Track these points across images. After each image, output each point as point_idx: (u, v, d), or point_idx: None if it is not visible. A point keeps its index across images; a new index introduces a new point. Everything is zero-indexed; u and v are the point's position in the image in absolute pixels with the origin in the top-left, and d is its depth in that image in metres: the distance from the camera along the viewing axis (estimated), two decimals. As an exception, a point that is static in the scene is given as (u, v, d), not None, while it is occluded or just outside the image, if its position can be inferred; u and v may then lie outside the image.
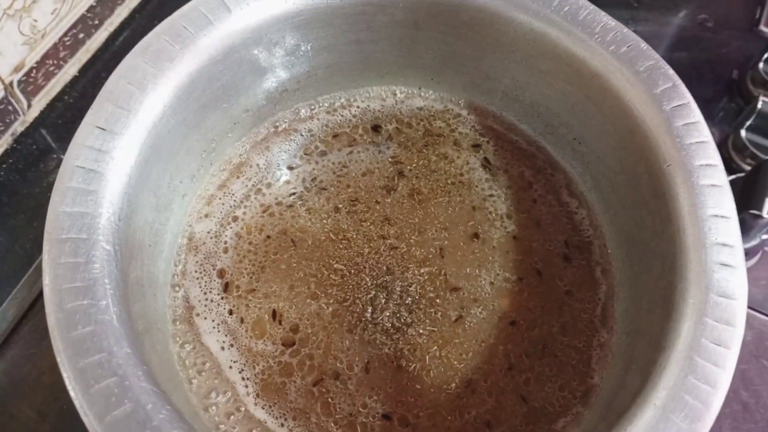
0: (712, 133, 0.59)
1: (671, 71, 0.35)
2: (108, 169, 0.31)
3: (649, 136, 0.34)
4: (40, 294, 0.50)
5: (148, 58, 0.34)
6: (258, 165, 0.42)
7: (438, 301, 0.39)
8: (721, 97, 0.64)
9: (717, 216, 0.31)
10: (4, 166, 0.56)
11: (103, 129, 0.32)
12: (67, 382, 0.27)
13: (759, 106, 0.56)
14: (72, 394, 0.27)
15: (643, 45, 0.35)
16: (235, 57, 0.37)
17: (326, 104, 0.45)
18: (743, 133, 0.56)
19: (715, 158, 0.33)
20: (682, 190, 0.32)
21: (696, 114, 0.34)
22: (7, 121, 0.56)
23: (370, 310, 0.38)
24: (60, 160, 0.57)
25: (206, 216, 0.40)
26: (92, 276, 0.29)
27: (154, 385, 0.27)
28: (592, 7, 0.37)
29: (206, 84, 0.36)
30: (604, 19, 0.36)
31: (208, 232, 0.39)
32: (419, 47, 0.42)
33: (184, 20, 0.35)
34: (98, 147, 0.31)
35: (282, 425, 0.34)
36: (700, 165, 0.32)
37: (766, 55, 0.61)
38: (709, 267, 0.30)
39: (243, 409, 0.35)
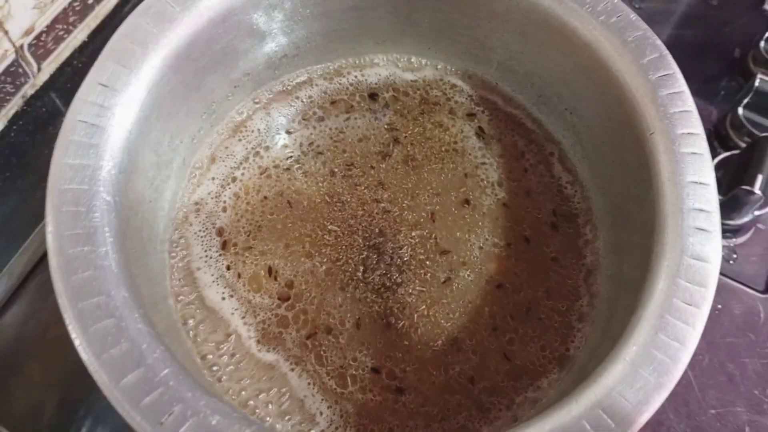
0: (712, 111, 0.60)
1: (659, 42, 0.35)
2: (109, 124, 0.32)
3: (635, 105, 0.35)
4: (47, 252, 0.52)
5: (149, 19, 0.35)
6: (257, 128, 0.43)
7: (428, 263, 0.40)
8: (723, 76, 0.64)
9: (696, 183, 0.32)
10: (15, 127, 0.58)
11: (105, 86, 0.33)
12: (67, 322, 0.28)
13: (756, 84, 0.56)
14: (72, 333, 0.28)
15: (632, 15, 0.36)
16: (234, 20, 0.38)
17: (325, 71, 0.46)
18: (740, 110, 0.57)
19: (697, 127, 0.34)
20: (663, 158, 0.33)
21: (681, 84, 0.34)
22: (18, 83, 0.57)
23: (362, 270, 0.39)
24: (68, 124, 0.59)
25: (206, 176, 0.41)
26: (93, 224, 0.30)
27: (149, 327, 0.29)
28: (585, -23, 0.37)
29: (206, 46, 0.37)
30: (596, -11, 0.37)
31: (209, 193, 0.41)
32: (416, 15, 0.43)
33: (186, -18, 0.36)
34: (100, 103, 0.33)
35: (282, 369, 0.36)
36: (683, 133, 0.33)
37: (767, 35, 0.61)
38: (685, 231, 0.31)
39: (246, 351, 0.37)
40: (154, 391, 0.27)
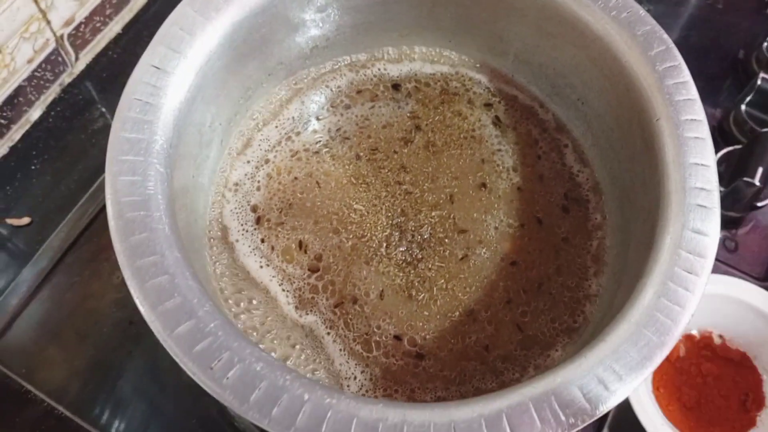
0: (717, 109, 0.62)
1: (665, 36, 0.38)
2: (161, 102, 0.35)
3: (642, 93, 0.38)
4: (84, 229, 0.56)
5: (197, 7, 0.38)
6: (290, 114, 0.47)
7: (446, 241, 0.43)
8: (727, 76, 0.67)
9: (698, 164, 0.35)
10: (53, 113, 0.61)
11: (158, 68, 0.36)
12: (126, 279, 0.31)
13: (758, 83, 0.59)
14: (130, 288, 0.31)
15: (641, 11, 0.39)
16: (272, 11, 0.41)
17: (352, 62, 0.49)
18: (743, 108, 0.60)
19: (700, 114, 0.36)
20: (668, 141, 0.36)
21: (685, 74, 0.37)
22: (57, 71, 0.61)
23: (385, 246, 0.42)
24: (102, 112, 0.62)
25: (242, 157, 0.44)
26: (147, 191, 0.33)
27: (198, 285, 0.32)
28: (597, -24, 0.40)
29: (246, 34, 0.40)
30: (608, -13, 0.40)
31: (245, 174, 0.44)
32: (438, 10, 0.46)
33: (230, -24, 0.39)
34: (153, 83, 0.36)
35: (320, 331, 0.39)
36: (686, 120, 0.36)
37: (770, 36, 0.64)
38: (687, 207, 0.34)
39: (285, 315, 0.40)
40: (204, 340, 0.30)
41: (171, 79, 0.36)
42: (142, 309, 0.31)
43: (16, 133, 0.59)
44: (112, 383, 0.50)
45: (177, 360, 0.30)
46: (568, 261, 0.43)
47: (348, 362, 0.39)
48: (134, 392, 0.50)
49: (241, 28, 0.40)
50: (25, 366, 0.51)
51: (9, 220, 0.56)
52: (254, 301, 0.40)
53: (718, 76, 0.67)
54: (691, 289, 0.32)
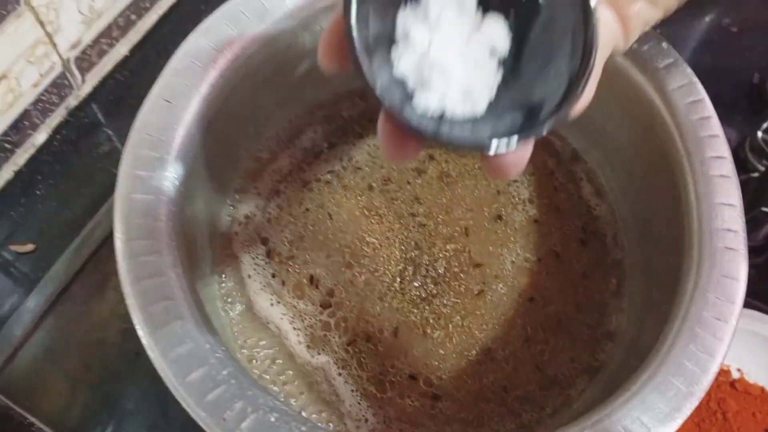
0: (731, 135, 0.61)
1: (689, 69, 0.37)
2: (172, 138, 0.35)
3: (665, 128, 0.37)
4: (90, 256, 0.55)
5: (210, 38, 0.37)
6: (300, 144, 0.46)
7: (462, 275, 0.42)
8: (742, 101, 0.66)
9: (724, 204, 0.34)
10: (58, 136, 0.60)
11: (169, 102, 0.35)
12: (136, 325, 0.30)
13: (775, 109, 0.58)
14: (140, 333, 0.30)
15: (664, 44, 0.38)
16: (285, 41, 0.40)
17: (363, 90, 0.48)
18: (759, 134, 0.59)
19: (724, 151, 0.35)
20: (692, 180, 0.35)
21: (709, 110, 0.36)
22: (63, 94, 0.60)
23: (399, 281, 0.41)
24: (108, 135, 0.61)
25: (252, 188, 0.44)
26: (158, 232, 0.32)
27: (210, 329, 0.31)
28: (618, 7, 0.39)
29: (259, 66, 0.39)
30: (629, 19, 0.39)
31: (256, 205, 0.43)
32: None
33: (243, 6, 0.38)
34: (164, 117, 0.35)
35: (331, 372, 0.38)
36: (711, 157, 0.35)
37: (786, 61, 0.63)
38: (714, 250, 0.33)
39: (297, 355, 0.39)
40: (216, 388, 0.29)
41: (182, 113, 0.35)
42: (152, 355, 0.30)
43: (21, 157, 0.58)
44: (119, 416, 0.49)
45: (188, 410, 0.29)
46: (587, 297, 0.42)
47: (360, 403, 0.38)
48: (141, 426, 0.49)
49: (254, 60, 0.39)
50: (29, 398, 0.50)
51: (13, 247, 0.55)
52: (264, 341, 0.39)
53: (732, 101, 0.66)
54: (719, 336, 0.31)
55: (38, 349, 0.51)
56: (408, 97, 0.23)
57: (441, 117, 0.23)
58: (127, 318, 0.51)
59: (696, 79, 0.37)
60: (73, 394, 0.50)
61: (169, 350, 0.29)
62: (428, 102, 0.23)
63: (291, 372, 0.38)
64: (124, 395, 0.50)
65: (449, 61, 0.23)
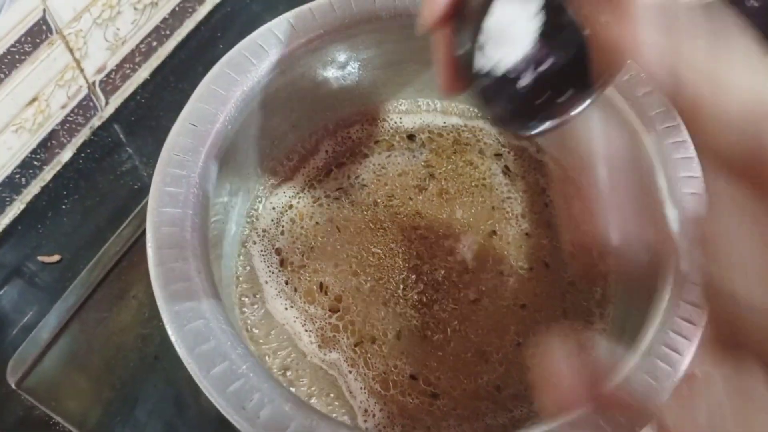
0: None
1: (665, 98, 0.41)
2: (198, 158, 0.38)
3: (642, 150, 0.41)
4: (113, 267, 0.58)
5: (232, 68, 0.41)
6: (311, 163, 0.50)
7: (460, 284, 0.46)
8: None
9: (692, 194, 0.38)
10: (83, 155, 0.64)
11: (194, 125, 0.39)
12: (165, 322, 0.34)
13: None
14: (169, 330, 0.34)
15: (642, 74, 0.42)
16: (299, 71, 0.44)
17: (369, 114, 0.52)
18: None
19: (696, 170, 0.39)
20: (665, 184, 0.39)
21: (684, 134, 0.40)
22: (88, 116, 0.64)
23: (401, 288, 0.45)
24: (129, 153, 0.65)
25: (267, 203, 0.47)
26: (185, 242, 0.36)
27: (231, 329, 0.34)
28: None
29: (275, 93, 0.43)
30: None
31: (271, 219, 0.47)
32: (453, 68, 0.49)
33: (261, 39, 0.42)
34: (190, 139, 0.39)
35: (343, 369, 0.42)
36: (684, 176, 0.39)
37: None
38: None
39: (309, 353, 0.42)
40: (237, 381, 0.32)
41: (206, 136, 0.39)
42: (180, 351, 0.33)
43: (48, 173, 0.62)
44: (138, 415, 0.53)
45: (212, 399, 0.32)
46: (574, 304, 0.46)
47: (368, 400, 0.41)
48: (159, 425, 0.52)
49: (270, 87, 0.43)
50: (54, 398, 0.53)
51: (40, 258, 0.59)
52: (280, 342, 0.43)
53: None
54: (689, 337, 0.34)
55: (63, 354, 0.55)
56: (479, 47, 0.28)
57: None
58: (146, 324, 0.56)
59: (672, 107, 0.41)
60: (95, 395, 0.54)
61: (195, 347, 0.33)
62: (491, 56, 0.28)
63: (304, 369, 0.42)
64: (143, 396, 0.53)
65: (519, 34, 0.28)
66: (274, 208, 0.47)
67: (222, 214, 0.42)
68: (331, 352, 0.43)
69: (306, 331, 0.43)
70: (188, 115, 0.39)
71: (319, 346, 0.43)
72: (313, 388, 0.41)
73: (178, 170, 0.38)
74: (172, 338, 0.34)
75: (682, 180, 0.39)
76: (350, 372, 0.42)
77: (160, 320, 0.34)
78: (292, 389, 0.41)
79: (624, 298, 0.43)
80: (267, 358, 0.42)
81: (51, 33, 0.54)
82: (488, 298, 0.45)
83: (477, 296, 0.45)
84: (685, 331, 0.35)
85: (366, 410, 0.41)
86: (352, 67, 0.48)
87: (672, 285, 0.37)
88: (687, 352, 0.34)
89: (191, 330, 0.34)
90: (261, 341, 0.43)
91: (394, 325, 0.44)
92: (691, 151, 0.40)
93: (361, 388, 0.41)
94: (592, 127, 0.43)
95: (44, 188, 0.61)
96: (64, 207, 0.61)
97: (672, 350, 0.34)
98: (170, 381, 0.53)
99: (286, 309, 0.44)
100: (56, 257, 0.59)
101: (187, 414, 0.53)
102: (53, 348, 0.55)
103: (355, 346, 0.43)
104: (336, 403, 0.41)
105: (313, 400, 0.41)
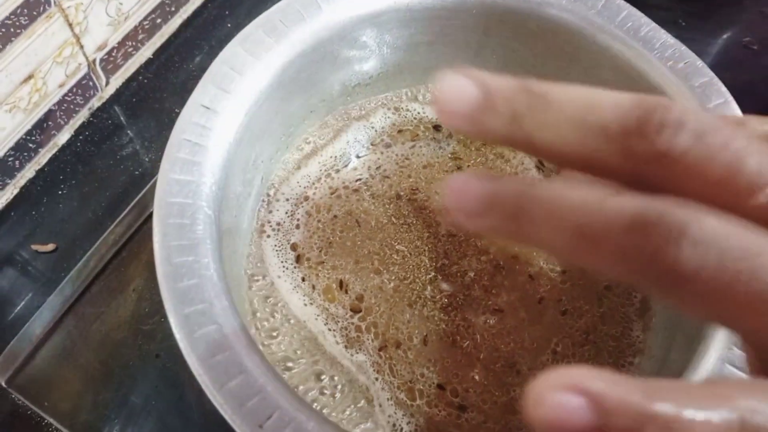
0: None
1: (724, 88, 0.38)
2: (210, 143, 0.35)
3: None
4: (112, 258, 0.55)
5: (247, 47, 0.37)
6: (329, 152, 0.46)
7: (491, 287, 0.42)
8: (761, 119, 0.66)
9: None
10: (81, 137, 0.60)
11: (207, 107, 0.35)
12: (173, 327, 0.30)
13: (797, 128, 0.58)
14: (177, 336, 0.30)
15: (699, 63, 0.38)
16: (321, 51, 0.41)
17: (393, 100, 0.48)
18: (780, 153, 0.59)
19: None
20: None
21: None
22: (87, 96, 0.60)
23: (429, 288, 0.41)
24: (130, 137, 0.61)
25: (281, 194, 0.44)
26: (196, 236, 0.32)
27: (247, 335, 0.31)
28: (653, 24, 0.40)
29: (294, 74, 0.40)
30: (664, 36, 0.40)
31: (285, 211, 0.43)
32: (485, 51, 0.45)
33: (280, 15, 0.38)
34: (203, 123, 0.35)
35: (370, 376, 0.38)
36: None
37: (807, 80, 0.63)
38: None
39: (334, 355, 0.39)
40: (254, 397, 0.29)
41: (220, 119, 0.35)
42: (190, 360, 0.30)
43: (44, 156, 0.58)
44: (136, 418, 0.49)
45: (226, 418, 0.29)
46: (611, 309, 0.42)
47: (396, 413, 0.38)
48: (158, 430, 0.49)
49: (290, 68, 0.39)
50: (46, 398, 0.50)
51: (34, 246, 0.55)
52: (301, 343, 0.39)
53: (751, 119, 0.66)
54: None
55: (56, 350, 0.51)
56: None
57: None
58: (146, 319, 0.52)
59: (731, 98, 0.37)
60: (90, 396, 0.50)
61: (208, 356, 0.29)
62: None
63: (331, 375, 0.38)
64: (142, 398, 0.50)
65: None
66: (288, 200, 0.44)
67: (235, 206, 0.39)
68: (358, 352, 0.39)
69: (330, 330, 0.39)
70: (200, 96, 0.36)
71: (345, 347, 0.39)
72: (338, 398, 0.38)
73: (189, 156, 0.34)
74: (181, 345, 0.30)
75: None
76: (377, 379, 0.38)
77: (162, 315, 0.31)
78: (319, 398, 0.37)
79: (670, 308, 0.40)
80: (288, 360, 0.38)
81: (49, 5, 0.50)
82: (521, 302, 0.42)
83: (509, 300, 0.42)
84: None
85: (394, 425, 0.37)
86: (376, 48, 0.44)
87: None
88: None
89: (203, 337, 0.30)
90: (277, 344, 0.39)
91: (420, 329, 0.40)
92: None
93: (388, 399, 0.38)
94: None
95: (39, 172, 0.58)
96: (60, 193, 0.57)
97: (739, 370, 0.31)
98: (172, 382, 0.50)
99: (306, 305, 0.40)
100: (51, 246, 0.55)
101: (190, 419, 0.49)
102: (46, 344, 0.51)
103: (380, 350, 0.39)
104: (362, 417, 0.37)
105: (336, 415, 0.37)
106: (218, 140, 0.35)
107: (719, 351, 0.31)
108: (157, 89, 0.63)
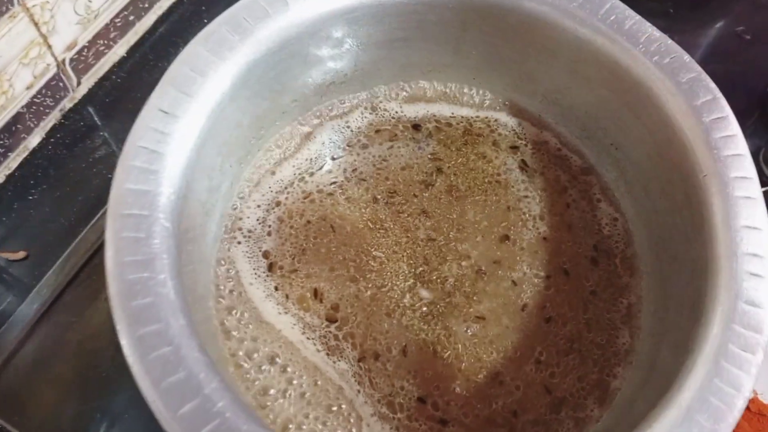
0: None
1: (712, 84, 0.36)
2: (169, 150, 0.33)
3: (686, 146, 0.35)
4: (85, 264, 0.53)
5: (209, 47, 0.35)
6: (302, 154, 0.44)
7: (473, 294, 0.40)
8: (754, 111, 0.64)
9: (749, 227, 0.32)
10: (52, 140, 0.58)
11: (166, 112, 0.33)
12: (125, 349, 0.29)
13: (793, 120, 0.57)
14: (129, 360, 0.28)
15: (686, 57, 0.36)
16: (289, 49, 0.39)
17: (369, 99, 0.46)
18: (775, 146, 0.57)
19: (750, 171, 0.34)
20: (716, 201, 0.33)
21: (734, 128, 0.35)
22: (57, 97, 0.58)
23: (408, 297, 0.40)
24: (104, 138, 0.59)
25: (251, 200, 0.42)
26: (152, 250, 0.30)
27: (205, 357, 0.29)
28: (638, 17, 0.38)
29: (261, 74, 0.38)
30: (649, 29, 0.38)
31: (256, 218, 0.41)
32: (465, 47, 0.43)
33: (245, 12, 0.36)
34: (161, 129, 0.33)
35: (353, 388, 0.37)
36: (735, 177, 0.34)
37: (802, 70, 0.61)
38: (739, 276, 0.31)
39: (315, 364, 0.37)
40: (211, 422, 0.27)
41: (180, 124, 0.33)
42: (142, 385, 0.28)
43: (14, 161, 0.56)
44: (112, 429, 0.48)
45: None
46: (596, 315, 0.40)
47: (383, 428, 0.36)
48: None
49: (256, 68, 0.37)
50: (18, 412, 0.48)
51: (4, 254, 0.53)
52: (278, 357, 0.37)
53: (744, 111, 0.64)
54: (746, 369, 0.29)
55: (28, 361, 0.50)
56: None
57: None
58: (121, 330, 0.50)
59: (720, 95, 0.35)
60: (64, 409, 0.48)
61: (161, 379, 0.28)
62: None
63: (311, 389, 0.36)
64: (118, 410, 0.48)
65: None
66: (259, 206, 0.42)
67: (200, 214, 0.37)
68: (339, 360, 0.37)
69: (308, 339, 0.38)
70: (157, 100, 0.34)
71: (327, 354, 0.37)
72: (318, 410, 0.36)
73: (146, 165, 0.32)
74: (133, 369, 0.28)
75: (734, 181, 0.33)
76: (359, 392, 0.37)
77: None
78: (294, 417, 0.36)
79: (658, 310, 0.38)
80: (260, 375, 0.37)
81: (12, 5, 0.48)
82: (504, 310, 0.40)
83: (491, 307, 0.40)
84: (741, 361, 0.29)
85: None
86: (350, 45, 0.42)
87: (718, 302, 0.31)
88: (744, 387, 0.29)
89: (158, 359, 0.28)
90: (248, 358, 0.37)
91: (399, 339, 0.38)
92: (742, 148, 0.35)
93: (371, 414, 0.36)
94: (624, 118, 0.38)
95: (9, 177, 0.56)
96: (31, 198, 0.55)
97: (728, 385, 0.29)
98: (147, 394, 0.48)
99: (280, 314, 0.38)
100: (22, 254, 0.53)
101: None
102: (17, 355, 0.50)
103: (358, 362, 0.37)
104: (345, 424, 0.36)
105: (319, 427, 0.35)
106: (177, 146, 0.33)
107: (708, 366, 0.29)
108: (131, 89, 0.61)
